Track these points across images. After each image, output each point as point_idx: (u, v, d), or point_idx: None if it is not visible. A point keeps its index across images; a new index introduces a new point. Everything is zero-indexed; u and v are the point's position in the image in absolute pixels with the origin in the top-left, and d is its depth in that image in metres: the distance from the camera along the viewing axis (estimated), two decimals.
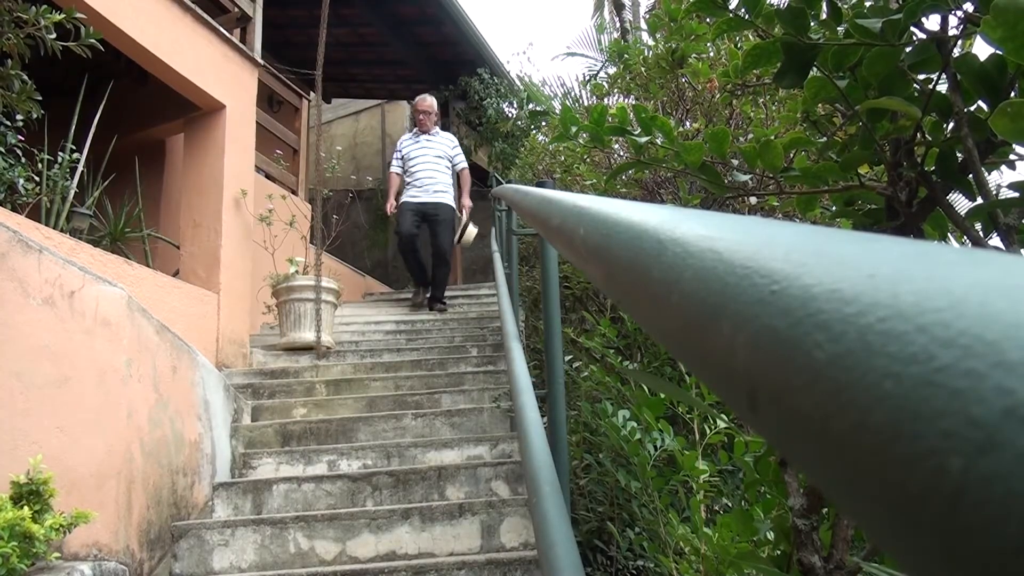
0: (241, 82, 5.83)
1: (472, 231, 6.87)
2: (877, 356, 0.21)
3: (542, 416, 1.94)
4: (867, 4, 1.33)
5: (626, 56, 5.15)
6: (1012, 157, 1.17)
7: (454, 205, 7.15)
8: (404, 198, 6.96)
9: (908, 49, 1.13)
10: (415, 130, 7.29)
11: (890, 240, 0.26)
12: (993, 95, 1.04)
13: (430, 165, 7.03)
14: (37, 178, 4.40)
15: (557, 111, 8.42)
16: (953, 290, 0.20)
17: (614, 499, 3.14)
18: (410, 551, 2.96)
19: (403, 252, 6.99)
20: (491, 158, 11.88)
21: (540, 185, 2.84)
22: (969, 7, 1.07)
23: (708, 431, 2.58)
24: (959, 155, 1.14)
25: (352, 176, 11.09)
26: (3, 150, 4.07)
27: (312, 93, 7.83)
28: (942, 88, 1.12)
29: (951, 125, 1.14)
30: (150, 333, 3.29)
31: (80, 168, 4.81)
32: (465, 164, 7.31)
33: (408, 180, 7.07)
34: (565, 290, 5.04)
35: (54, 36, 3.57)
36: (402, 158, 7.15)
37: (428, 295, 7.08)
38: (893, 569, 1.23)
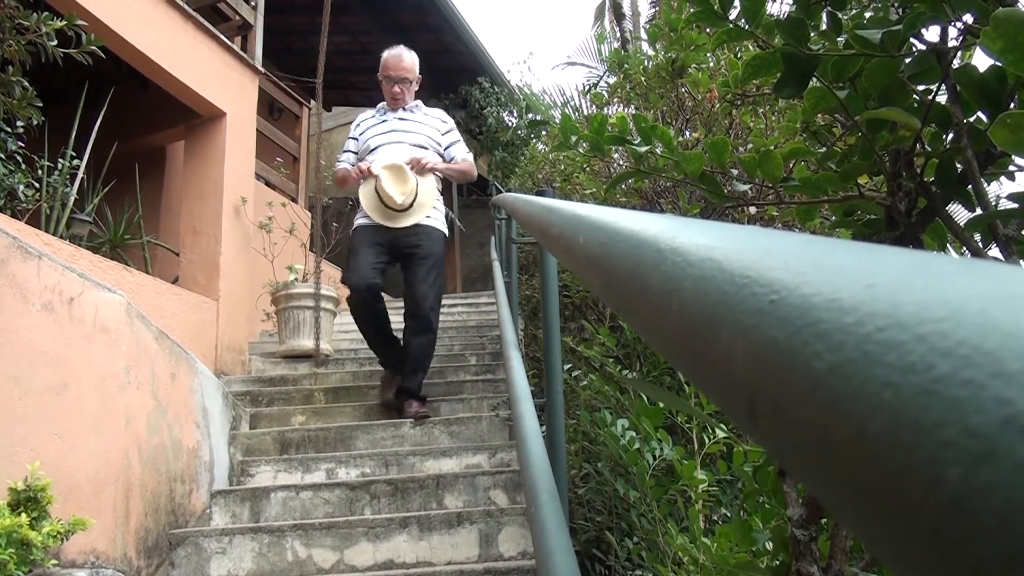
0: (242, 89, 5.84)
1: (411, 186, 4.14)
2: (876, 366, 0.21)
3: (541, 425, 1.94)
4: (867, 15, 1.33)
5: (626, 66, 5.16)
6: (1011, 168, 1.18)
7: (445, 230, 4.36)
8: (359, 218, 4.24)
9: (908, 60, 1.13)
10: (381, 105, 4.50)
11: (889, 250, 0.26)
12: (993, 106, 1.04)
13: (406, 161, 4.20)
14: (37, 184, 4.40)
15: (557, 121, 8.45)
16: (952, 300, 0.20)
17: (613, 508, 3.13)
18: (408, 560, 2.95)
19: (357, 316, 4.15)
20: (491, 167, 11.92)
21: (540, 194, 2.84)
22: (969, 19, 1.08)
23: (707, 440, 2.58)
24: (959, 166, 1.14)
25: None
26: (3, 156, 4.07)
27: (313, 101, 7.84)
28: (942, 99, 1.13)
29: (951, 136, 1.15)
30: (149, 340, 3.28)
31: (80, 174, 4.82)
32: (468, 156, 4.49)
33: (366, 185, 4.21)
34: (564, 299, 5.04)
35: (55, 43, 3.58)
36: (356, 151, 4.45)
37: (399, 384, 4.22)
38: None
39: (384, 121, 4.42)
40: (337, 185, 4.67)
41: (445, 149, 4.44)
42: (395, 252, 4.17)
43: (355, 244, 4.19)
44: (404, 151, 4.24)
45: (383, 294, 4.22)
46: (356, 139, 4.49)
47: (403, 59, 4.41)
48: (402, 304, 4.27)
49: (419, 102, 4.52)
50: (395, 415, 4.23)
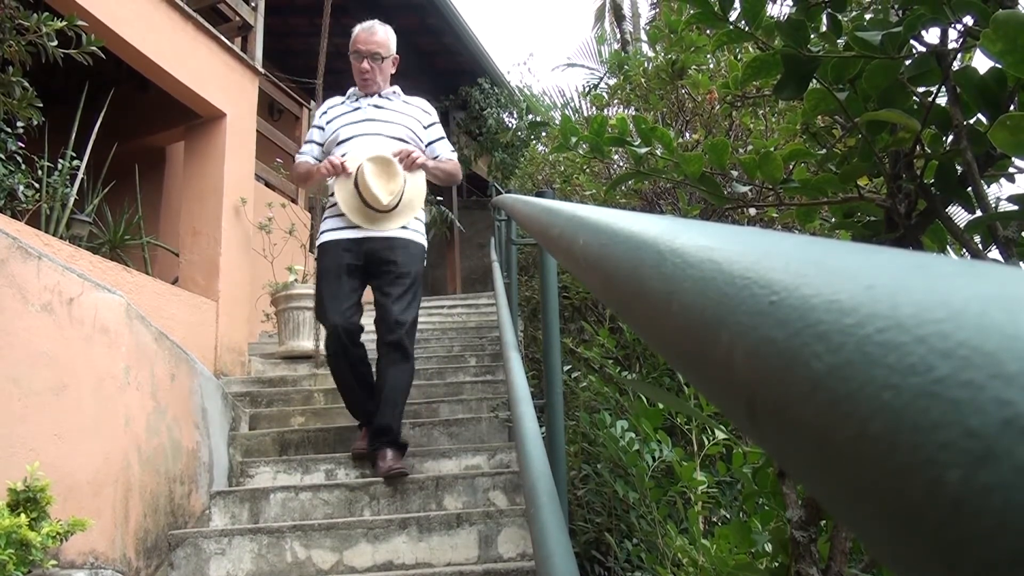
0: (242, 90, 5.84)
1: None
2: (876, 367, 0.21)
3: (540, 426, 1.94)
4: (867, 17, 1.33)
5: (626, 67, 5.17)
6: (1011, 170, 1.18)
7: (425, 242, 3.71)
8: (325, 230, 3.64)
9: (908, 62, 1.13)
10: (352, 90, 3.83)
11: (889, 252, 0.26)
12: (993, 108, 1.05)
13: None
14: (37, 185, 4.40)
15: (557, 122, 8.44)
16: (952, 301, 0.20)
17: (612, 510, 3.13)
18: (407, 561, 2.95)
19: (334, 364, 3.56)
20: (491, 168, 11.94)
21: (540, 195, 2.84)
22: (969, 20, 1.08)
23: (706, 442, 2.58)
24: (958, 168, 1.14)
25: None
26: (3, 157, 4.07)
27: (312, 102, 7.84)
28: (942, 101, 1.13)
29: (950, 138, 1.15)
30: (148, 340, 3.28)
31: (80, 175, 4.82)
32: (453, 155, 3.86)
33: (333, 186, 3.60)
34: (564, 300, 5.04)
35: (55, 43, 3.58)
36: (322, 142, 3.78)
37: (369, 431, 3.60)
38: None
39: (356, 108, 3.73)
40: (295, 183, 3.84)
41: (428, 145, 3.78)
42: (369, 267, 3.55)
43: (326, 267, 3.54)
44: (380, 145, 3.57)
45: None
46: (322, 128, 3.80)
47: (375, 32, 3.75)
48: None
49: (397, 88, 3.84)
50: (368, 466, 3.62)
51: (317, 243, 3.68)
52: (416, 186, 3.58)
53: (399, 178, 3.48)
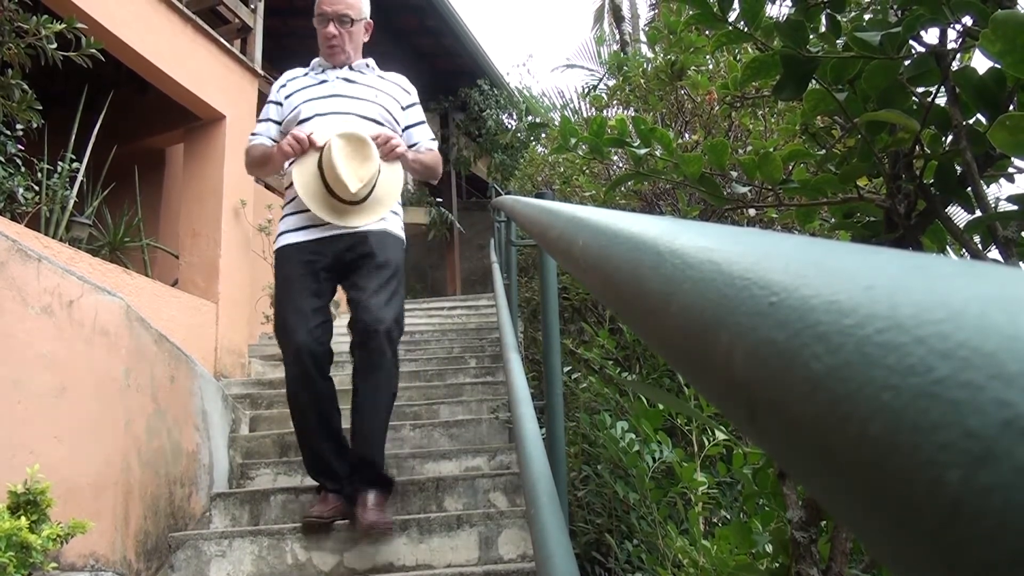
0: (241, 92, 5.85)
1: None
2: (875, 368, 0.21)
3: (540, 427, 1.94)
4: (866, 17, 1.33)
5: (625, 68, 5.16)
6: (1011, 170, 1.18)
7: (403, 236, 3.10)
8: (284, 231, 2.99)
9: (907, 62, 1.13)
10: (316, 61, 3.18)
11: (888, 252, 0.26)
12: (992, 108, 1.05)
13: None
14: (37, 187, 4.41)
15: (556, 123, 8.42)
16: (951, 302, 0.20)
17: (612, 511, 3.13)
18: (408, 563, 2.95)
19: (293, 401, 2.89)
20: (491, 169, 11.95)
21: (540, 196, 2.83)
22: (968, 21, 1.08)
23: (707, 443, 2.58)
24: (958, 168, 1.14)
25: None
26: (3, 159, 4.07)
27: None
28: (941, 101, 1.13)
29: (950, 138, 1.15)
30: (148, 342, 3.28)
31: (80, 177, 4.82)
32: (434, 144, 3.22)
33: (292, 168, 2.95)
34: (564, 301, 5.04)
35: (55, 46, 3.58)
36: (280, 120, 3.10)
37: (338, 483, 2.97)
38: None
39: (322, 82, 3.07)
40: (250, 171, 3.22)
41: (405, 129, 3.15)
42: (340, 268, 2.92)
43: (287, 277, 2.89)
44: (351, 125, 2.93)
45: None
46: (280, 103, 3.11)
47: None
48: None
49: (371, 61, 3.20)
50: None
51: (274, 248, 3.01)
52: (392, 178, 2.99)
53: (372, 164, 2.86)
